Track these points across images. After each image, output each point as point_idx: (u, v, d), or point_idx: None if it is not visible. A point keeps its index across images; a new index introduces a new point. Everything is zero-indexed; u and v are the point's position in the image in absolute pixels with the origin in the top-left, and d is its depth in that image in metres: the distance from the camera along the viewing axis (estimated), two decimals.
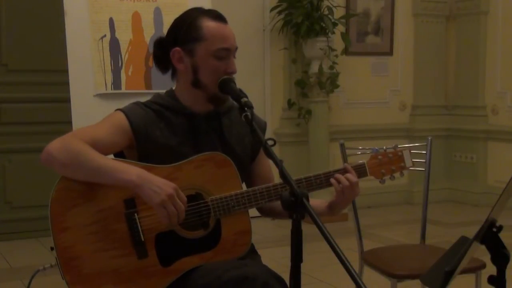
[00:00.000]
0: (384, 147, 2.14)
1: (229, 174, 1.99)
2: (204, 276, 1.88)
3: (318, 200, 2.12)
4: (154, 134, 2.02)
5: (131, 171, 1.85)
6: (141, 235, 1.91)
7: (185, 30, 2.03)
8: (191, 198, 1.95)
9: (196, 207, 1.95)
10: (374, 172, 2.10)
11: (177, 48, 2.03)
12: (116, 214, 1.90)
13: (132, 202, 1.91)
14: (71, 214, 1.89)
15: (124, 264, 1.90)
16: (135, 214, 1.91)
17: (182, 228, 1.94)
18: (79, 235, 1.88)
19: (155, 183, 1.83)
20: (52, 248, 1.88)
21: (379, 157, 2.11)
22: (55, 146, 1.91)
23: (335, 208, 2.08)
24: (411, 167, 2.16)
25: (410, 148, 2.17)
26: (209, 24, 2.01)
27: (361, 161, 2.11)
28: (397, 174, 2.15)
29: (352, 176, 2.01)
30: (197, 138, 2.06)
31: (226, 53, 2.01)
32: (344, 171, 2.03)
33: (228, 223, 1.97)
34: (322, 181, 2.02)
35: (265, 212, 2.22)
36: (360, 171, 2.08)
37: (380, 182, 2.13)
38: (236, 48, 2.06)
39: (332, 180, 2.01)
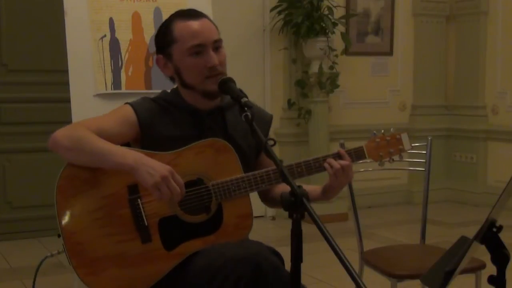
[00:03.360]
0: (382, 131, 2.16)
1: (229, 160, 2.02)
2: (206, 256, 1.91)
3: (311, 186, 2.14)
4: (159, 129, 2.05)
5: (129, 155, 1.89)
6: (145, 220, 1.94)
7: (161, 37, 2.09)
8: (193, 184, 1.98)
9: (197, 192, 1.98)
10: (372, 155, 2.13)
11: (159, 55, 2.10)
12: (120, 200, 1.94)
13: (135, 188, 1.95)
14: (76, 200, 1.93)
15: (128, 248, 1.93)
16: (138, 200, 1.94)
17: (185, 213, 1.97)
18: (85, 221, 1.92)
19: (151, 165, 1.86)
20: (59, 235, 1.92)
21: (377, 140, 2.14)
22: (61, 132, 1.96)
23: (329, 192, 2.10)
24: (409, 149, 2.18)
25: (407, 132, 2.20)
26: (179, 25, 2.05)
27: (359, 145, 2.14)
28: (396, 157, 2.16)
29: (343, 161, 2.04)
30: (202, 133, 2.08)
31: (200, 49, 2.02)
32: (338, 156, 2.06)
33: (229, 207, 2.00)
34: (321, 164, 2.05)
35: (270, 202, 2.26)
36: (359, 153, 2.12)
37: (379, 164, 2.16)
38: (217, 40, 2.05)
39: (325, 164, 2.04)
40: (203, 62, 2.02)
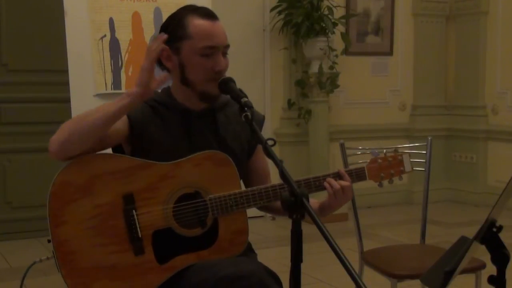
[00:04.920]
0: (384, 151, 2.14)
1: (228, 173, 1.99)
2: (199, 272, 1.89)
3: (310, 200, 2.12)
4: (149, 129, 2.03)
5: (123, 95, 1.92)
6: (139, 232, 1.91)
7: (172, 29, 2.03)
8: (190, 196, 1.96)
9: (194, 205, 1.96)
10: (373, 176, 2.12)
11: (165, 46, 2.03)
12: (114, 209, 1.91)
13: (131, 198, 1.92)
14: (69, 208, 1.89)
15: (120, 260, 1.90)
16: (133, 211, 1.92)
17: (180, 226, 1.95)
18: (77, 230, 1.89)
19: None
20: (49, 241, 1.88)
21: (379, 161, 2.13)
22: (53, 136, 1.92)
23: (326, 209, 2.09)
24: (410, 171, 2.16)
25: (410, 153, 2.18)
26: (195, 22, 2.01)
27: (360, 165, 2.12)
28: (396, 178, 2.16)
29: (344, 182, 2.03)
30: (191, 135, 2.06)
31: (212, 51, 2.00)
32: (337, 175, 2.05)
33: (225, 222, 1.97)
34: (321, 183, 2.03)
35: (263, 208, 2.22)
36: (359, 175, 2.10)
37: (378, 185, 2.14)
38: (227, 46, 2.04)
39: (325, 184, 2.03)
40: (211, 64, 1.99)
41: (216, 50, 2.00)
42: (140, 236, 1.91)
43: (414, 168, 2.21)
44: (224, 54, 2.04)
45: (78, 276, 1.88)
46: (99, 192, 1.90)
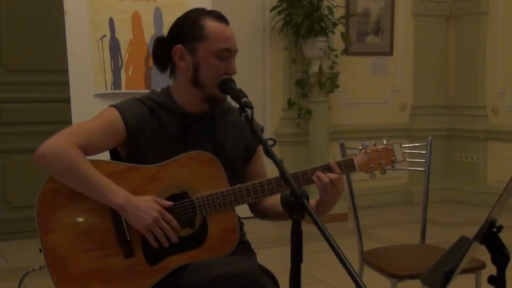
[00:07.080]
0: (374, 142, 2.12)
1: (214, 172, 2.00)
2: (194, 273, 1.89)
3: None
4: (145, 133, 2.03)
5: (119, 194, 1.88)
6: (127, 234, 1.92)
7: (188, 29, 2.04)
8: (177, 197, 1.97)
9: (181, 205, 1.96)
10: (362, 167, 2.07)
11: (179, 46, 2.04)
12: (103, 214, 1.92)
13: None
14: (57, 214, 1.91)
15: (111, 263, 1.91)
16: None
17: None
18: (66, 235, 1.90)
19: (141, 208, 1.87)
20: (40, 250, 1.90)
21: (368, 151, 2.08)
22: (50, 150, 1.92)
23: (323, 206, 2.05)
24: (402, 161, 2.12)
25: (400, 143, 2.15)
26: (212, 24, 2.03)
27: (349, 156, 2.09)
28: (388, 169, 2.12)
29: (332, 174, 1.98)
30: (187, 138, 2.06)
31: (227, 53, 2.03)
32: (327, 168, 2.01)
33: (214, 220, 1.97)
34: (309, 177, 2.00)
35: (260, 214, 2.21)
36: (348, 165, 2.05)
37: (370, 176, 2.09)
38: (237, 51, 2.07)
39: (314, 177, 1.99)
40: (224, 67, 2.02)
41: (230, 53, 2.04)
42: (129, 238, 1.92)
43: (412, 167, 2.19)
44: (233, 58, 2.07)
45: (70, 282, 1.89)
46: (86, 197, 1.91)
